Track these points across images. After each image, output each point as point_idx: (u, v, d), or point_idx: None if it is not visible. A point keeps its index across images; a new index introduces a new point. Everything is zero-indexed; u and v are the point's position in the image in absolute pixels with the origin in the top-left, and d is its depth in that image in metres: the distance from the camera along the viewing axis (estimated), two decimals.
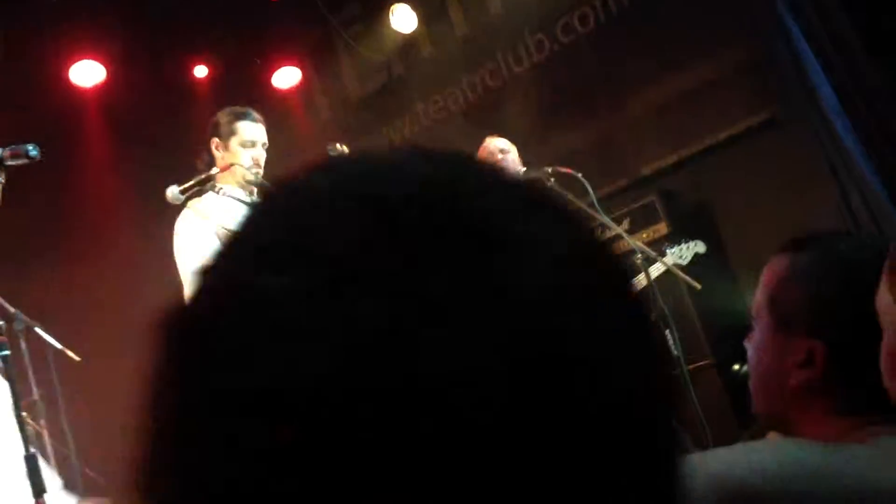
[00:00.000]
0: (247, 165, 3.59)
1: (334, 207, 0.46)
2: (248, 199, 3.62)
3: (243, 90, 6.25)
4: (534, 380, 0.42)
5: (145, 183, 5.59)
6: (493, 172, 0.50)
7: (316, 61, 6.82)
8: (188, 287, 3.50)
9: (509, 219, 0.46)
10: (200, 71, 6.54)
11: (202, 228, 3.51)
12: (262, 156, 3.65)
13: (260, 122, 3.73)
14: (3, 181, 2.66)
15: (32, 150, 2.69)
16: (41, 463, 2.43)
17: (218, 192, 3.59)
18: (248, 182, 3.62)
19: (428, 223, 0.45)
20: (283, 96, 6.64)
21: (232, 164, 3.58)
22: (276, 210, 0.49)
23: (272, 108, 5.38)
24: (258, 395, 0.42)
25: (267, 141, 3.73)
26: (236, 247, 0.48)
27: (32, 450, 2.37)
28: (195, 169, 3.68)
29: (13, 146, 2.68)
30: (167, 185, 3.53)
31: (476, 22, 6.16)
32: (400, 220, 0.44)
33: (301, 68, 6.78)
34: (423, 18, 6.34)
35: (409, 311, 0.42)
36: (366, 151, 0.51)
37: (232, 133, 3.65)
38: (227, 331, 0.44)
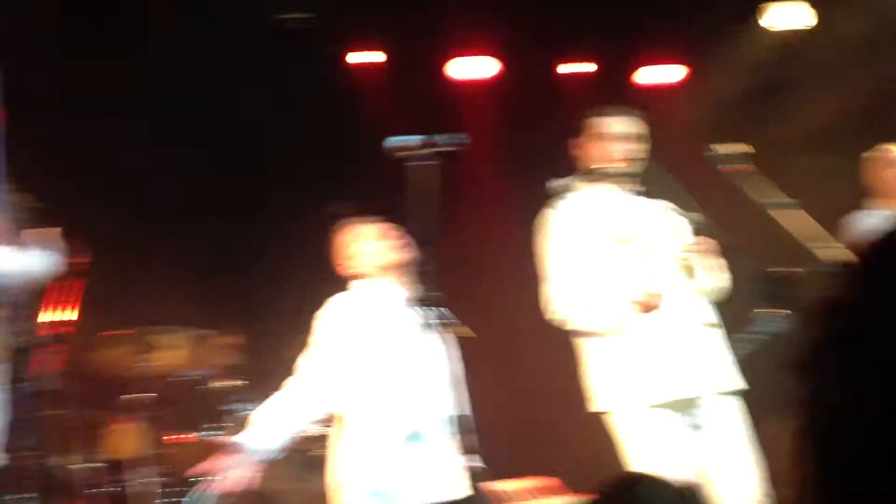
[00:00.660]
0: (617, 160, 3.63)
1: None
2: (620, 196, 3.64)
3: (617, 88, 6.41)
4: None
5: (523, 175, 5.93)
6: None
7: (688, 59, 6.79)
8: (546, 282, 3.60)
9: None
10: (572, 69, 6.78)
11: (567, 227, 3.59)
12: (632, 150, 3.65)
13: (630, 117, 3.75)
14: (437, 164, 2.96)
15: (460, 137, 2.99)
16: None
17: (590, 190, 3.66)
18: (619, 176, 3.64)
19: None
20: (653, 95, 6.69)
21: (603, 160, 3.64)
22: None
23: (643, 107, 5.45)
24: None
25: (640, 134, 3.72)
26: None
27: (463, 410, 2.59)
28: (572, 166, 3.79)
29: (450, 134, 2.98)
30: (547, 179, 3.68)
31: (874, 18, 5.80)
32: None
33: (676, 66, 6.81)
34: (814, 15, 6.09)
35: None
36: None
37: (601, 129, 3.70)
38: None
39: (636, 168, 3.66)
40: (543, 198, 3.68)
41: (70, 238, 2.96)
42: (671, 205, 3.70)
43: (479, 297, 6.10)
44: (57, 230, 2.92)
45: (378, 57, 6.49)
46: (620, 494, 1.48)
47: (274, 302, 5.87)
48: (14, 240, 2.23)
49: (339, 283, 3.70)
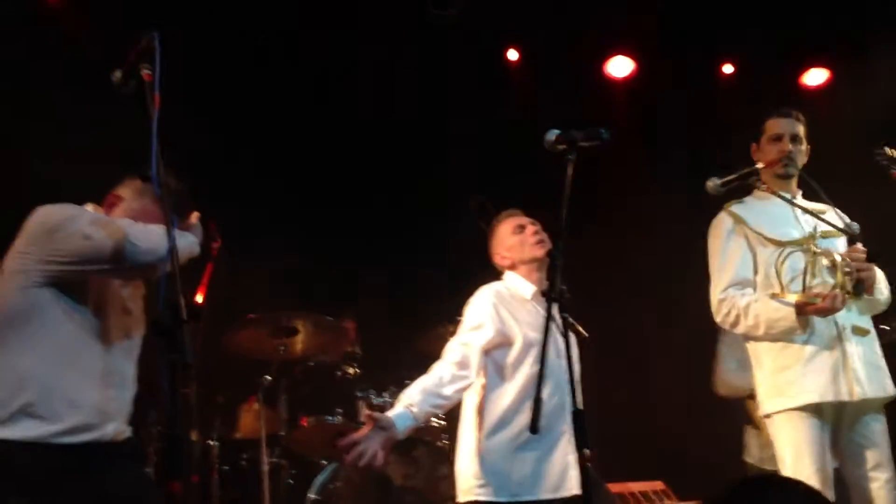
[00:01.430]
0: (774, 160, 3.60)
1: None
2: (787, 199, 3.59)
3: (771, 89, 6.20)
4: None
5: (668, 173, 5.82)
6: None
7: (846, 61, 6.51)
8: (713, 286, 3.59)
9: None
10: (728, 68, 6.63)
11: (735, 232, 3.61)
12: (790, 149, 3.63)
13: (790, 115, 3.70)
14: (573, 160, 2.90)
15: (605, 133, 2.91)
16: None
17: (757, 195, 3.64)
18: (779, 177, 3.63)
19: None
20: (811, 96, 6.44)
21: (778, 162, 3.61)
22: None
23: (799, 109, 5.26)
24: None
25: (800, 134, 3.69)
26: None
27: (580, 406, 2.58)
28: (730, 165, 3.71)
29: (588, 129, 2.91)
30: (707, 178, 3.59)
31: None
32: None
33: (830, 68, 6.57)
34: None
35: None
36: None
37: (763, 131, 3.71)
38: None
39: (791, 166, 3.64)
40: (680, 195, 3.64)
41: (205, 222, 3.05)
42: (837, 210, 3.69)
43: (609, 297, 6.01)
44: (196, 214, 3.02)
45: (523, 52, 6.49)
46: (751, 496, 1.40)
47: (405, 293, 5.94)
48: (165, 220, 2.31)
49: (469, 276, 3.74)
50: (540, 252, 3.60)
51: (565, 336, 2.70)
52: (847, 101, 6.36)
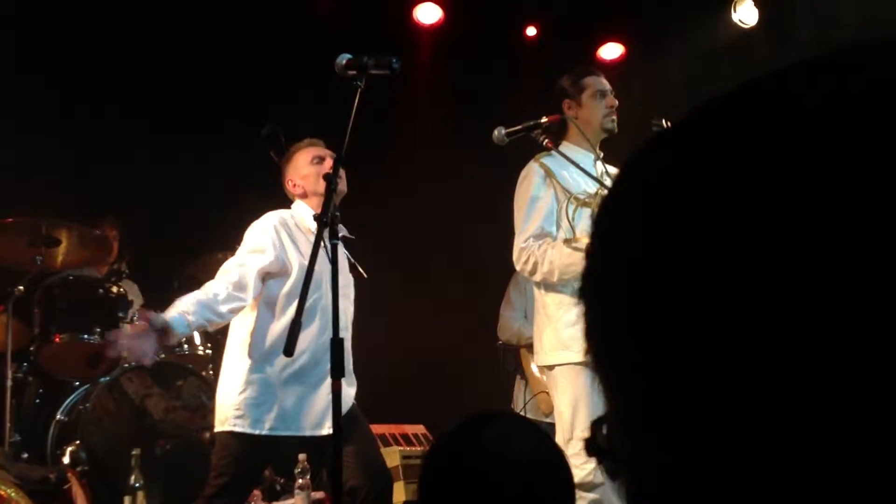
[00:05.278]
0: (602, 115, 3.66)
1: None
2: (591, 160, 3.65)
3: (568, 56, 6.36)
4: None
5: (462, 123, 5.87)
6: None
7: (643, 40, 6.78)
8: (517, 235, 3.61)
9: None
10: (531, 30, 6.78)
11: (545, 184, 3.62)
12: (615, 102, 3.71)
13: (602, 75, 3.79)
14: (362, 86, 2.85)
15: (395, 62, 2.88)
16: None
17: (572, 149, 3.67)
18: (607, 130, 3.69)
19: None
20: (604, 69, 6.66)
21: (596, 119, 3.66)
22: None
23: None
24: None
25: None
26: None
27: (342, 336, 2.56)
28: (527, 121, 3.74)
29: (379, 56, 2.87)
30: (494, 128, 3.62)
31: (823, 30, 5.85)
32: None
33: (625, 45, 6.83)
34: (764, 16, 6.13)
35: None
36: None
37: (582, 88, 3.71)
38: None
39: (615, 120, 3.71)
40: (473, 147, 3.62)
41: None
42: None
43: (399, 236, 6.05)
44: None
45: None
46: (476, 428, 1.39)
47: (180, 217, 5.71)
48: None
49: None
50: (344, 186, 3.52)
51: (333, 263, 2.67)
52: (639, 77, 6.65)
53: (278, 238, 3.45)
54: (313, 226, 3.45)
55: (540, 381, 4.69)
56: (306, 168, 3.63)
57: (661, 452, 0.46)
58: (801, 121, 0.44)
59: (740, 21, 6.04)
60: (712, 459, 0.43)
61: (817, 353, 0.40)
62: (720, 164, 0.46)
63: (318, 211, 3.49)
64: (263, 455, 3.44)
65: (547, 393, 4.62)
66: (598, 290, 0.51)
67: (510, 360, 5.10)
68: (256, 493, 4.46)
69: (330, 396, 3.26)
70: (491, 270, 5.10)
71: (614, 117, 3.69)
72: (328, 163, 3.57)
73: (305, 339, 3.33)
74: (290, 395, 3.37)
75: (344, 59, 2.90)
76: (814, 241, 0.41)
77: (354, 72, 2.88)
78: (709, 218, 0.44)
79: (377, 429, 5.32)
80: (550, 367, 3.56)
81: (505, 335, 5.08)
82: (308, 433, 3.38)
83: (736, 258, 0.42)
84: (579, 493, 3.18)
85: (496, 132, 3.58)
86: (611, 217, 0.52)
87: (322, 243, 2.65)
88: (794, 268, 0.41)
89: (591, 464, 3.19)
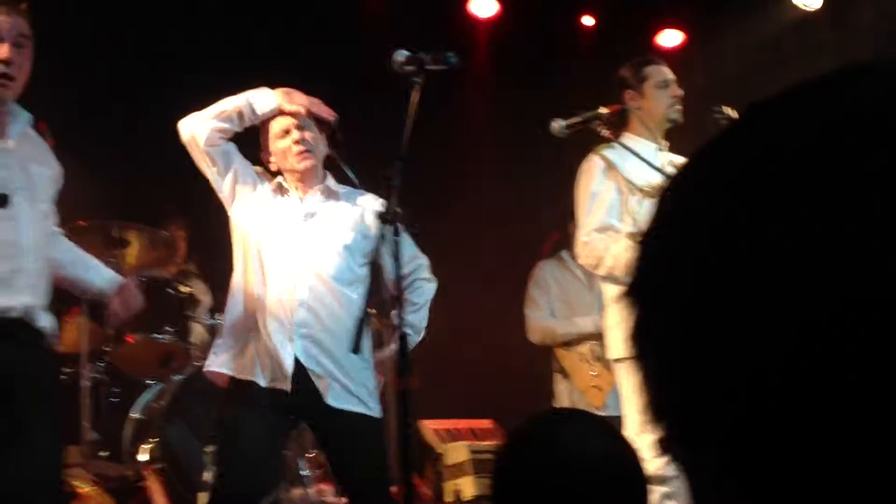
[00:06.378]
0: (667, 105, 3.62)
1: None
2: (654, 151, 3.60)
3: (626, 45, 6.31)
4: None
5: (521, 113, 5.86)
6: None
7: (702, 26, 6.69)
8: (579, 229, 3.57)
9: None
10: (588, 20, 6.74)
11: (607, 176, 3.57)
12: (680, 92, 3.66)
13: (664, 63, 3.75)
14: (420, 82, 2.87)
15: (452, 57, 2.89)
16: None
17: (621, 143, 3.61)
18: (672, 120, 3.65)
19: None
20: (664, 57, 6.59)
21: (660, 110, 3.62)
22: None
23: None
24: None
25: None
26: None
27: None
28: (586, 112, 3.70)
29: (436, 52, 2.88)
30: (552, 119, 3.60)
31: (889, 13, 5.69)
32: None
33: (685, 32, 6.74)
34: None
35: None
36: None
37: (644, 78, 3.65)
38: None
39: (680, 110, 3.67)
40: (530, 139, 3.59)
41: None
42: None
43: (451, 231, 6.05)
44: None
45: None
46: (550, 427, 1.40)
47: None
48: None
49: None
50: (301, 165, 3.30)
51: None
52: (699, 64, 6.56)
53: (258, 179, 3.34)
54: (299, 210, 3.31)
55: (586, 376, 4.64)
56: (276, 142, 3.32)
57: (702, 460, 0.45)
58: None
59: (803, 4, 5.91)
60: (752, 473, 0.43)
61: None
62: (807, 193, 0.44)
63: (296, 187, 3.34)
64: None
65: (596, 387, 4.58)
66: (654, 290, 0.50)
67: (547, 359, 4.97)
68: (326, 487, 4.52)
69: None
70: None
71: (679, 107, 3.66)
72: (295, 136, 3.28)
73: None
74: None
75: (402, 55, 2.91)
76: None
77: (412, 68, 2.89)
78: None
79: (445, 423, 5.34)
80: (621, 360, 3.53)
81: (536, 336, 4.91)
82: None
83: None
84: (651, 486, 3.16)
85: (555, 124, 3.56)
86: (678, 220, 0.50)
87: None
88: None
89: (664, 457, 3.16)
